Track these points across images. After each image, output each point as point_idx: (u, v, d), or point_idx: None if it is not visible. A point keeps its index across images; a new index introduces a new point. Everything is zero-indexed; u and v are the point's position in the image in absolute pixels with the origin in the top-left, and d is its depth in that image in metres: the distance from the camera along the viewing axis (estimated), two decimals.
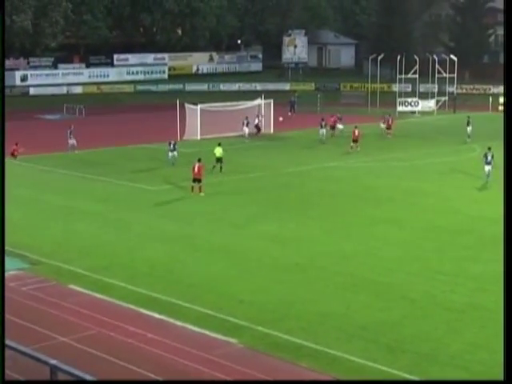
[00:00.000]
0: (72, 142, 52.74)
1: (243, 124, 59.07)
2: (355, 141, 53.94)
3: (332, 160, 49.94)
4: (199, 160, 39.90)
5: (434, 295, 24.47)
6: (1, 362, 10.57)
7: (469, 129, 58.13)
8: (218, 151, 44.74)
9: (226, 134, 57.15)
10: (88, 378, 9.21)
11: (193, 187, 39.41)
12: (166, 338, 20.85)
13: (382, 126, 61.62)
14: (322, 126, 58.27)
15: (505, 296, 12.14)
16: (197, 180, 39.30)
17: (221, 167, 44.45)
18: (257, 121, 61.56)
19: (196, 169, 39.37)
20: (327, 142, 57.48)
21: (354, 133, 54.23)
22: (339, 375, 18.76)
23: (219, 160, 44.47)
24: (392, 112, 68.65)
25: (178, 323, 22.07)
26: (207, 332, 21.36)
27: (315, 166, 47.42)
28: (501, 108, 73.98)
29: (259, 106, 63.65)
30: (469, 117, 59.82)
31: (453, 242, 30.64)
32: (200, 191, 39.15)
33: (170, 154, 47.64)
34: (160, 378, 18.30)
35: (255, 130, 61.17)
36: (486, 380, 18.51)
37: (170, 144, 48.05)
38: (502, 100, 75.87)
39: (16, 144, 49.61)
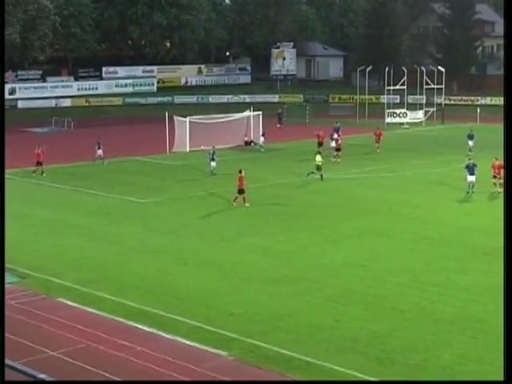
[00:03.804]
0: (100, 152, 53.00)
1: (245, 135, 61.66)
2: (338, 149, 53.98)
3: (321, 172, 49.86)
4: (240, 171, 39.75)
5: (424, 306, 24.50)
6: (1, 362, 10.54)
7: (471, 142, 57.43)
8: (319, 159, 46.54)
9: (215, 147, 57.08)
10: None
11: (236, 197, 39.28)
12: (155, 351, 20.80)
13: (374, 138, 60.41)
14: (331, 139, 57.43)
15: (505, 296, 12.17)
16: (241, 190, 39.28)
17: (321, 175, 46.47)
18: (246, 138, 62.49)
19: (239, 180, 39.33)
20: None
21: (337, 141, 54.26)
22: None
23: (319, 168, 46.39)
24: (380, 123, 68.70)
25: (168, 336, 22.03)
26: (197, 344, 21.34)
27: (304, 178, 47.40)
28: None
29: (248, 118, 63.74)
30: (471, 130, 59.36)
31: (442, 254, 30.69)
32: (244, 202, 39.17)
33: (213, 163, 48.34)
34: None
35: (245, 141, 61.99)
36: (486, 380, 18.55)
37: (209, 154, 48.73)
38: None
39: None
